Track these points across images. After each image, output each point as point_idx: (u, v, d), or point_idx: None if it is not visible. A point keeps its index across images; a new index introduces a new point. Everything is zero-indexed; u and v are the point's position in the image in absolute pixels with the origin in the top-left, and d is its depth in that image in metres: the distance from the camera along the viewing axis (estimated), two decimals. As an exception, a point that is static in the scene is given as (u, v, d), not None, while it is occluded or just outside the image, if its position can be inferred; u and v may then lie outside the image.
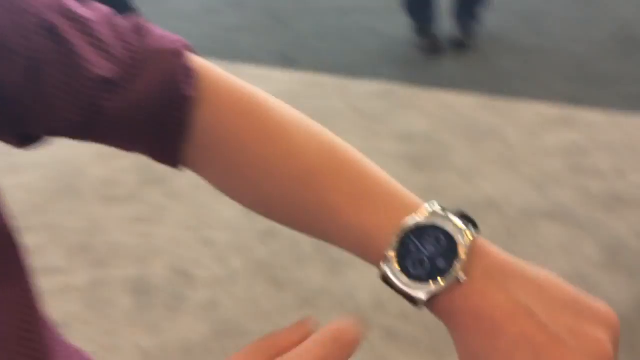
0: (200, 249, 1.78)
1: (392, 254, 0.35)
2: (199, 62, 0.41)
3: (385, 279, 0.35)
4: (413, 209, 0.36)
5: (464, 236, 0.34)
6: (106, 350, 1.48)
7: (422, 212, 0.35)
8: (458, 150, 2.15)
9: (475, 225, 0.36)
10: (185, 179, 1.95)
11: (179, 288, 1.65)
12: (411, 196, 0.38)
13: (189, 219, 1.90)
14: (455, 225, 0.35)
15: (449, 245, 0.34)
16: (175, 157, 0.41)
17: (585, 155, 2.10)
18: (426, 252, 0.34)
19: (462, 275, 0.33)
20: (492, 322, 0.32)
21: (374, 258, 0.36)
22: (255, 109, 0.41)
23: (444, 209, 0.36)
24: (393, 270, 0.35)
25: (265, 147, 0.40)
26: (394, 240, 0.35)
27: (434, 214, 0.35)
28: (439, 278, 0.33)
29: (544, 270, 0.35)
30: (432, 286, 0.33)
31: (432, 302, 0.34)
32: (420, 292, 0.34)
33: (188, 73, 0.39)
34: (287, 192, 0.39)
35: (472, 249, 0.34)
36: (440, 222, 0.35)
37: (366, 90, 2.61)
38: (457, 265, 0.33)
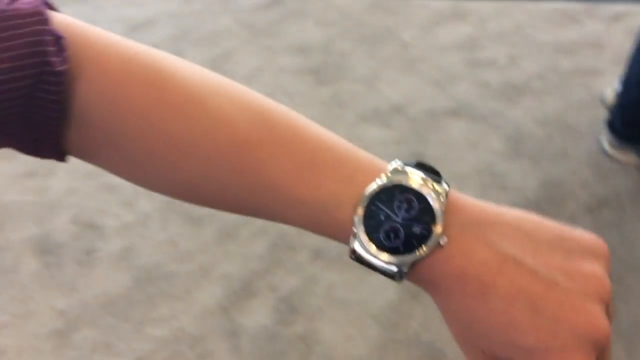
0: (103, 196, 1.68)
1: (360, 227, 0.31)
2: (66, 23, 0.32)
3: (358, 258, 0.31)
4: (371, 170, 0.32)
5: (436, 193, 0.31)
6: (20, 318, 1.40)
7: (383, 173, 0.32)
8: (357, 58, 2.12)
9: (438, 175, 0.32)
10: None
11: (88, 241, 1.56)
12: (367, 156, 0.33)
13: (84, 166, 1.77)
14: (424, 182, 0.31)
15: (421, 207, 0.31)
16: (56, 148, 0.34)
17: (480, 47, 2.13)
18: (398, 218, 0.31)
19: (443, 238, 0.30)
20: (480, 281, 0.29)
21: (338, 234, 0.32)
22: (154, 76, 0.33)
23: (404, 164, 0.32)
24: (365, 246, 0.31)
25: (177, 123, 0.33)
26: (359, 211, 0.31)
27: (395, 172, 0.32)
28: (418, 246, 0.30)
29: (519, 211, 0.32)
30: (411, 256, 0.30)
31: (410, 272, 0.31)
32: (400, 266, 0.30)
33: (56, 40, 0.31)
34: (217, 173, 0.33)
35: (446, 205, 0.31)
36: (406, 181, 0.31)
37: (252, 2, 2.49)
38: (436, 228, 0.30)
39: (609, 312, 0.30)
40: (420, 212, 0.31)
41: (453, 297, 0.30)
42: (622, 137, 1.60)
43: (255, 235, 1.52)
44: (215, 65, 2.06)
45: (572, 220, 1.47)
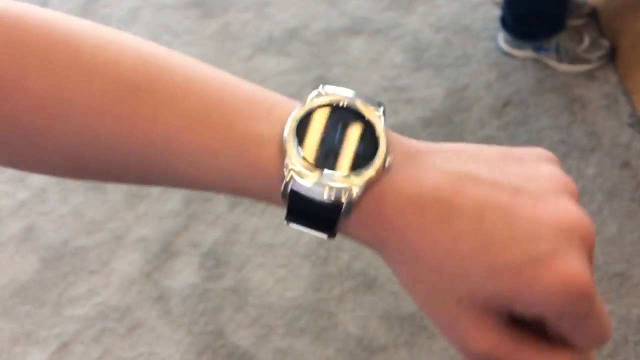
0: (-11, 176, 1.54)
1: (293, 153, 0.26)
2: None
3: (296, 199, 0.26)
4: (290, 104, 0.28)
5: (371, 110, 0.28)
6: None
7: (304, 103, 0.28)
8: (240, -17, 2.01)
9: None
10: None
11: (-18, 228, 1.44)
12: (281, 95, 0.29)
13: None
14: (355, 99, 0.28)
15: (361, 126, 0.27)
16: None
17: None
18: (335, 141, 0.27)
19: (388, 160, 0.26)
20: (439, 205, 0.25)
21: (263, 184, 0.27)
22: (7, 24, 0.27)
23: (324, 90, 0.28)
24: (304, 172, 0.26)
25: (40, 76, 0.27)
26: (289, 135, 0.26)
27: (319, 96, 0.28)
28: (364, 166, 0.26)
29: (456, 143, 0.30)
30: (360, 178, 0.26)
31: (357, 212, 0.26)
32: (349, 191, 0.26)
33: None
34: (101, 133, 0.27)
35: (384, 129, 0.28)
36: (339, 103, 0.28)
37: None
38: (381, 147, 0.27)
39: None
40: (361, 131, 0.27)
41: (410, 237, 0.26)
42: (515, 33, 1.62)
43: (166, 192, 1.45)
44: (85, 11, 1.89)
45: (480, 124, 1.50)
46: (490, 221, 0.25)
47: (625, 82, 1.54)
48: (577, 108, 1.51)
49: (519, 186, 0.26)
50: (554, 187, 0.26)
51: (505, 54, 1.65)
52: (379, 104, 0.29)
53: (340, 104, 0.28)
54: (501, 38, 1.66)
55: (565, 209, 0.26)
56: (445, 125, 1.51)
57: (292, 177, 0.26)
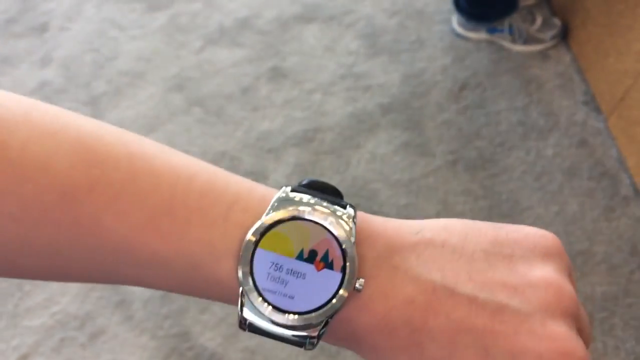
0: None
1: (248, 284, 0.24)
2: None
3: (252, 328, 0.25)
4: (252, 203, 0.25)
5: (344, 225, 0.25)
6: None
7: (267, 205, 0.25)
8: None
9: (338, 195, 0.27)
10: None
11: None
12: (243, 183, 0.26)
13: None
14: (322, 209, 0.25)
15: None
16: None
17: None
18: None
19: (359, 280, 0.24)
20: (410, 327, 0.24)
21: (220, 295, 0.26)
22: None
23: (293, 189, 0.26)
24: (259, 310, 0.24)
25: None
26: (243, 262, 0.24)
27: (283, 201, 0.25)
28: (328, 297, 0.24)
29: (440, 222, 0.26)
30: (322, 312, 0.24)
31: (323, 334, 0.25)
32: (309, 327, 0.24)
33: None
34: (38, 239, 0.24)
35: (355, 235, 0.25)
36: (300, 213, 0.25)
37: None
38: (351, 270, 0.25)
39: (582, 326, 0.25)
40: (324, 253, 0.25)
41: (382, 353, 0.25)
42: (469, 15, 1.63)
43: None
44: (26, 7, 1.83)
45: (439, 109, 1.51)
46: (464, 350, 0.23)
47: (578, 61, 1.57)
48: (533, 88, 1.54)
49: (501, 304, 0.24)
50: (543, 304, 0.24)
51: (460, 36, 1.67)
52: (349, 205, 0.26)
53: (304, 216, 0.25)
54: (455, 21, 1.67)
55: (550, 339, 0.23)
56: (404, 111, 1.52)
57: (245, 310, 0.25)
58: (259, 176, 1.41)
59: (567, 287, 0.25)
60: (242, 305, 0.25)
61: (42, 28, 1.76)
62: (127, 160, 0.25)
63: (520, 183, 1.37)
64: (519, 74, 1.57)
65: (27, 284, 1.30)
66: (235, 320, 1.22)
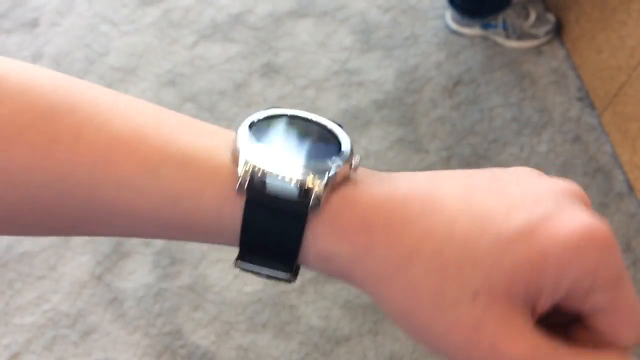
0: None
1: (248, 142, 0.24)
2: None
3: (252, 187, 0.23)
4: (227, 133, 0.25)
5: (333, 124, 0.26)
6: None
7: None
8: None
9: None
10: None
11: None
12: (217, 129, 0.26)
13: None
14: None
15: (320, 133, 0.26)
16: None
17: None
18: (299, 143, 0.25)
19: (356, 158, 0.25)
20: (423, 196, 0.23)
21: (222, 189, 0.24)
22: None
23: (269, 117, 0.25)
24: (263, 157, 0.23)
25: None
26: (243, 133, 0.24)
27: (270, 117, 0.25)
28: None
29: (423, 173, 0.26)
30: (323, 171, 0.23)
31: (322, 223, 0.23)
32: (316, 191, 0.23)
33: None
34: (6, 169, 0.23)
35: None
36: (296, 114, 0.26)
37: None
38: (346, 142, 0.25)
39: None
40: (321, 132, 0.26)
41: (398, 233, 0.22)
42: (463, 11, 1.63)
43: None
44: (15, 4, 1.81)
45: (433, 105, 1.51)
46: (481, 197, 0.22)
47: (572, 56, 1.57)
48: (527, 84, 1.54)
49: (497, 189, 0.24)
50: (550, 187, 0.24)
51: (454, 32, 1.67)
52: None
53: (299, 115, 0.26)
54: (449, 16, 1.67)
55: (556, 181, 0.24)
56: (398, 107, 1.52)
57: (251, 172, 0.23)
58: (252, 173, 1.40)
59: (584, 195, 0.24)
60: (242, 178, 0.23)
61: (33, 23, 1.75)
62: (107, 92, 0.25)
63: (514, 179, 1.37)
64: (512, 70, 1.57)
65: (18, 282, 1.29)
66: (227, 319, 1.22)
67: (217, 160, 0.24)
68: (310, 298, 1.23)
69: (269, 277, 0.25)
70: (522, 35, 1.61)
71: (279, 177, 0.23)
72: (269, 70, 1.61)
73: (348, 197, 0.23)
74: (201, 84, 1.59)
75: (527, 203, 0.22)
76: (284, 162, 0.23)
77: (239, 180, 0.23)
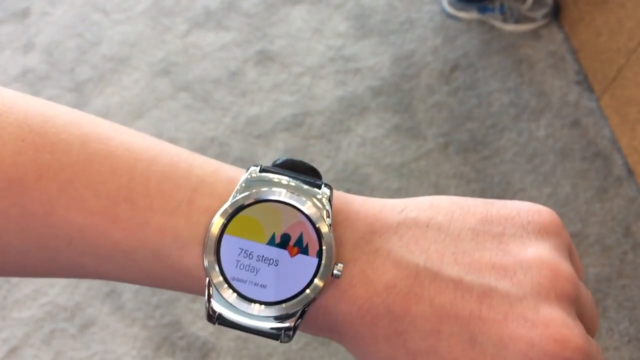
0: None
1: (215, 273, 0.23)
2: None
3: (222, 321, 0.23)
4: (218, 185, 0.24)
5: (316, 204, 0.24)
6: None
7: (234, 187, 0.24)
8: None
9: (314, 173, 0.25)
10: None
11: None
12: (208, 164, 0.25)
13: None
14: (294, 190, 0.24)
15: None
16: None
17: None
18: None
19: (337, 266, 0.23)
20: (391, 315, 0.22)
21: (188, 286, 0.24)
22: None
23: (263, 169, 0.24)
24: (228, 301, 0.23)
25: None
26: (208, 250, 0.23)
27: (252, 182, 0.24)
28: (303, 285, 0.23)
29: (424, 200, 0.25)
30: (298, 301, 0.23)
31: (301, 324, 0.24)
32: (284, 319, 0.23)
33: None
34: None
35: (332, 217, 0.24)
36: (270, 195, 0.24)
37: None
38: (328, 255, 0.23)
39: (584, 310, 0.23)
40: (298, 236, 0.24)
41: (365, 347, 0.23)
42: (460, -6, 1.62)
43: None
44: (6, -9, 1.80)
45: (430, 91, 1.51)
46: (449, 338, 0.22)
47: (570, 40, 1.57)
48: (525, 68, 1.54)
49: (489, 287, 0.22)
50: (536, 287, 0.22)
51: (450, 16, 1.66)
52: (325, 185, 0.25)
53: (274, 197, 0.24)
54: (445, 0, 1.66)
55: (543, 325, 0.22)
56: (395, 93, 1.51)
57: (213, 301, 0.23)
58: (248, 162, 1.40)
59: (564, 266, 0.23)
60: (209, 297, 0.23)
61: (24, 13, 1.73)
62: (80, 143, 0.23)
63: (513, 165, 1.37)
64: (510, 54, 1.57)
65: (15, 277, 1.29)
66: (227, 309, 1.22)
67: (189, 255, 0.23)
68: (309, 287, 1.24)
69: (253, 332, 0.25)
70: (519, 19, 1.60)
71: (255, 323, 0.23)
72: (264, 58, 1.61)
73: (323, 306, 0.24)
74: (195, 73, 1.58)
75: (507, 295, 0.23)
76: (243, 301, 0.23)
77: (206, 307, 0.23)
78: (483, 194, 1.32)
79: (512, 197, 1.31)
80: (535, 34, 1.59)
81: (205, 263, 0.23)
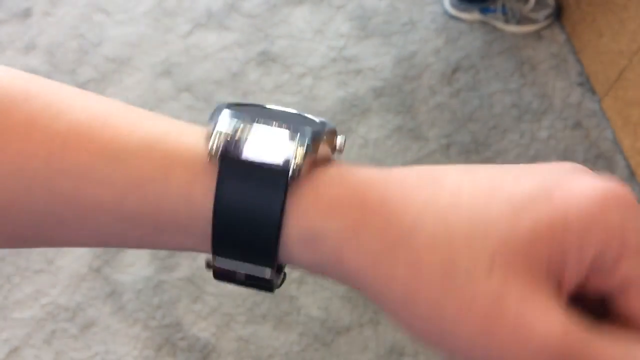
0: None
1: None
2: None
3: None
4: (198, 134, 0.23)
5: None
6: None
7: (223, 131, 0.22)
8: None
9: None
10: None
11: None
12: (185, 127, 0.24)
13: None
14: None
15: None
16: None
17: None
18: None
19: (340, 137, 0.23)
20: (423, 173, 0.21)
21: (194, 168, 0.22)
22: None
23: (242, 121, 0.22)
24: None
25: None
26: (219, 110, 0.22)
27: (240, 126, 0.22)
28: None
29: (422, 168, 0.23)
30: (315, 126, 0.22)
31: (304, 198, 0.21)
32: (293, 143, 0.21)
33: None
34: None
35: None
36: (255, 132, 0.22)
37: None
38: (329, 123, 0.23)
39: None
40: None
41: (396, 206, 0.20)
42: (462, -5, 1.62)
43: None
44: (8, -9, 1.81)
45: (432, 92, 1.51)
46: (484, 171, 0.21)
47: (572, 41, 1.57)
48: (527, 70, 1.54)
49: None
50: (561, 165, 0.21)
51: (452, 17, 1.66)
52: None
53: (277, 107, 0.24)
54: (447, 1, 1.67)
55: (563, 164, 0.21)
56: (397, 95, 1.51)
57: (225, 141, 0.21)
58: (249, 163, 1.40)
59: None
60: (214, 146, 0.22)
61: (25, 14, 1.74)
62: (75, 89, 0.24)
63: (515, 166, 1.37)
64: (512, 55, 1.57)
65: (16, 276, 1.30)
66: (227, 310, 1.22)
67: (188, 139, 0.22)
68: (310, 289, 1.24)
69: (248, 278, 0.23)
70: (521, 20, 1.60)
71: (255, 144, 0.21)
72: (266, 59, 1.61)
73: (335, 172, 0.22)
74: (197, 74, 1.59)
75: (537, 170, 0.20)
76: (261, 131, 0.22)
77: (211, 147, 0.21)
78: (485, 195, 1.33)
79: (514, 199, 1.31)
80: (537, 35, 1.60)
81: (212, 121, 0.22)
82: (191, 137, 0.22)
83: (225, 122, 0.22)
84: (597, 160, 1.36)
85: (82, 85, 1.57)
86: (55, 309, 1.25)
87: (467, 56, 1.58)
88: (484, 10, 1.63)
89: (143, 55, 1.63)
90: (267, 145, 0.21)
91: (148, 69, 1.60)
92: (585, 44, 1.52)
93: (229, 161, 0.21)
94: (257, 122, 0.22)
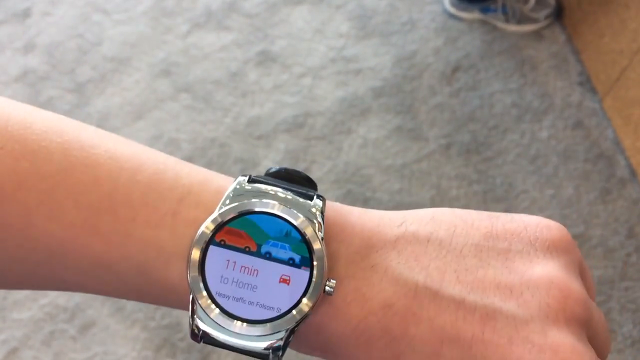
0: None
1: (199, 290, 0.21)
2: None
3: (207, 340, 0.22)
4: (205, 195, 0.23)
5: (307, 216, 0.22)
6: None
7: (222, 196, 0.22)
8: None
9: (309, 183, 0.24)
10: None
11: None
12: (196, 173, 0.23)
13: None
14: (285, 201, 0.22)
15: (288, 239, 0.22)
16: None
17: None
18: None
19: (330, 282, 0.22)
20: (388, 336, 0.21)
21: (172, 301, 0.23)
22: None
23: (253, 179, 0.23)
24: (211, 318, 0.22)
25: None
26: (192, 264, 0.21)
27: (241, 192, 0.22)
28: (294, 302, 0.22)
29: (426, 212, 0.23)
30: (286, 320, 0.22)
31: (291, 343, 0.23)
32: (272, 338, 0.22)
33: None
34: None
35: (324, 229, 0.22)
36: (258, 206, 0.22)
37: None
38: (319, 272, 0.22)
39: (595, 332, 0.22)
40: (289, 248, 0.22)
41: None
42: (462, -6, 1.62)
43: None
44: (7, -9, 1.80)
45: (432, 92, 1.51)
46: None
47: (573, 40, 1.57)
48: (527, 69, 1.54)
49: (492, 308, 0.21)
50: (545, 308, 0.21)
51: (452, 16, 1.66)
52: (317, 196, 0.23)
53: (262, 209, 0.22)
54: (447, 0, 1.67)
55: (552, 350, 0.20)
56: (396, 94, 1.51)
57: (198, 319, 0.22)
58: (249, 163, 1.40)
59: (575, 286, 0.21)
60: (193, 313, 0.22)
61: (24, 14, 1.74)
62: (62, 151, 0.22)
63: (515, 166, 1.37)
64: (512, 55, 1.57)
65: (15, 277, 1.29)
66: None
67: (174, 270, 0.22)
68: (310, 289, 1.24)
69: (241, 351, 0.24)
70: (522, 19, 1.60)
71: (241, 343, 0.22)
72: (265, 59, 1.61)
73: (316, 324, 0.22)
74: (196, 74, 1.59)
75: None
76: (226, 318, 0.22)
77: (190, 326, 0.22)
78: (485, 195, 1.32)
79: (515, 199, 1.31)
80: (537, 35, 1.60)
81: (189, 278, 0.22)
82: (177, 270, 0.22)
83: (202, 298, 0.22)
84: (598, 160, 1.36)
85: (82, 85, 1.57)
86: (53, 310, 1.25)
87: (467, 56, 1.58)
88: (484, 10, 1.62)
89: (142, 55, 1.63)
90: (245, 346, 0.22)
91: (147, 68, 1.60)
92: (586, 44, 1.52)
93: (208, 338, 0.22)
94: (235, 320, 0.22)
